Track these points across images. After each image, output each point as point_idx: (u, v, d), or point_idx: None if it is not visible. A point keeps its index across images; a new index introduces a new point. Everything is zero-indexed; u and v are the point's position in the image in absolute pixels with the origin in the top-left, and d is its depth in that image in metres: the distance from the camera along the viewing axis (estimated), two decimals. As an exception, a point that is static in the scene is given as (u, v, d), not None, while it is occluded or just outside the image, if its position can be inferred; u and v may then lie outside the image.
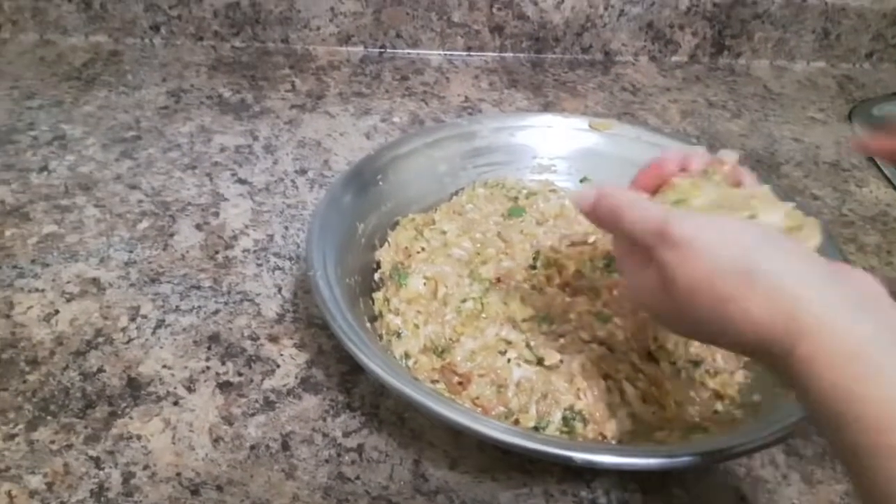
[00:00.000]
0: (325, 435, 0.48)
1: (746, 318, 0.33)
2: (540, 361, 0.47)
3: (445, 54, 0.92)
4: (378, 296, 0.53)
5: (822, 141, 0.83)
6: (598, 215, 0.41)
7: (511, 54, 0.93)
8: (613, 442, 0.45)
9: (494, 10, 0.90)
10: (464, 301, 0.51)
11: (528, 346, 0.48)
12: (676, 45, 0.94)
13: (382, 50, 0.92)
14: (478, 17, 0.90)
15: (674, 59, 0.95)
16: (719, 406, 0.48)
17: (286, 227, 0.64)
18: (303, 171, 0.71)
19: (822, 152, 0.81)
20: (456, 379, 0.46)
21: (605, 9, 0.91)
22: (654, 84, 0.90)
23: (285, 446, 0.48)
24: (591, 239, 0.56)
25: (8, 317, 0.55)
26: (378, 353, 0.44)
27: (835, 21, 0.94)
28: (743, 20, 0.93)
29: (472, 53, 0.93)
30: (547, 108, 0.84)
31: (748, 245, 0.34)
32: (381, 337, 0.50)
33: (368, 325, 0.49)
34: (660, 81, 0.91)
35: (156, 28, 0.88)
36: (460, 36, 0.91)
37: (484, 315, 0.50)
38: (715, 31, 0.93)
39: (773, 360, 0.33)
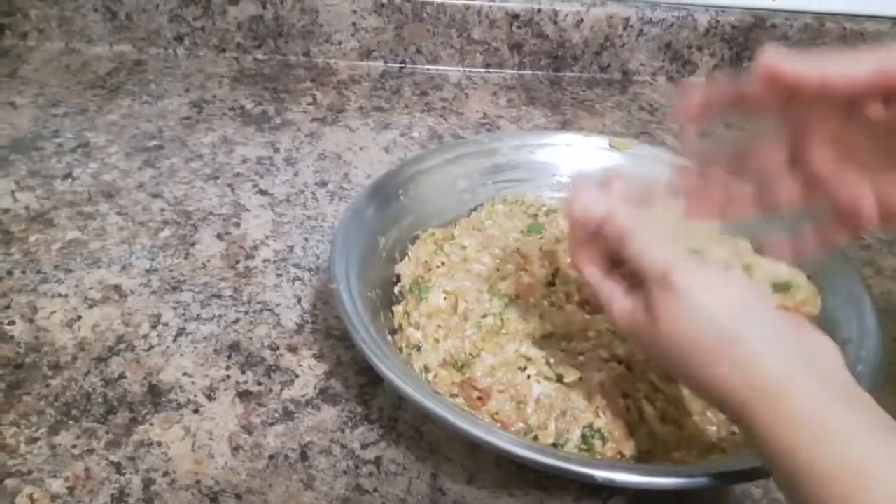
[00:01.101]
0: (343, 446, 0.49)
1: (715, 379, 0.36)
2: (559, 378, 0.47)
3: (464, 70, 0.93)
4: (398, 309, 0.53)
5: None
6: (605, 231, 0.41)
7: (529, 72, 0.94)
8: (632, 461, 0.45)
9: (514, 28, 0.91)
10: (484, 316, 0.51)
11: (547, 363, 0.48)
12: (694, 65, 0.95)
13: (402, 65, 0.92)
14: (497, 34, 0.91)
15: (691, 79, 0.96)
16: (736, 427, 0.48)
17: (306, 239, 0.65)
18: (323, 184, 0.72)
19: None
20: (475, 394, 0.47)
21: (625, 28, 0.91)
22: (672, 104, 0.91)
23: (304, 456, 0.48)
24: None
25: (31, 321, 0.55)
26: (399, 366, 0.44)
27: (852, 45, 0.94)
28: (761, 42, 0.94)
29: (490, 70, 0.93)
30: (565, 125, 0.85)
31: (738, 314, 0.36)
32: (400, 350, 0.50)
33: (389, 338, 0.50)
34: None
35: (179, 39, 0.89)
36: (479, 53, 0.92)
37: (504, 331, 0.50)
38: (733, 52, 0.94)
39: (730, 414, 0.36)
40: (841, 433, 0.32)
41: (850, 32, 0.93)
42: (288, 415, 0.50)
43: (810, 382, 0.34)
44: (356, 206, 0.55)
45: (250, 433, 0.49)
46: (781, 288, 0.40)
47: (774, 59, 0.38)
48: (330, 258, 0.50)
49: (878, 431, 0.32)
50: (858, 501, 0.30)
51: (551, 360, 0.48)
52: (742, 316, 0.36)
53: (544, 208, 0.62)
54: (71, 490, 0.45)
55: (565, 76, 0.94)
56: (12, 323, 0.55)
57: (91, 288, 0.58)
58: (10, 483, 0.45)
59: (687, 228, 0.42)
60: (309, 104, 0.84)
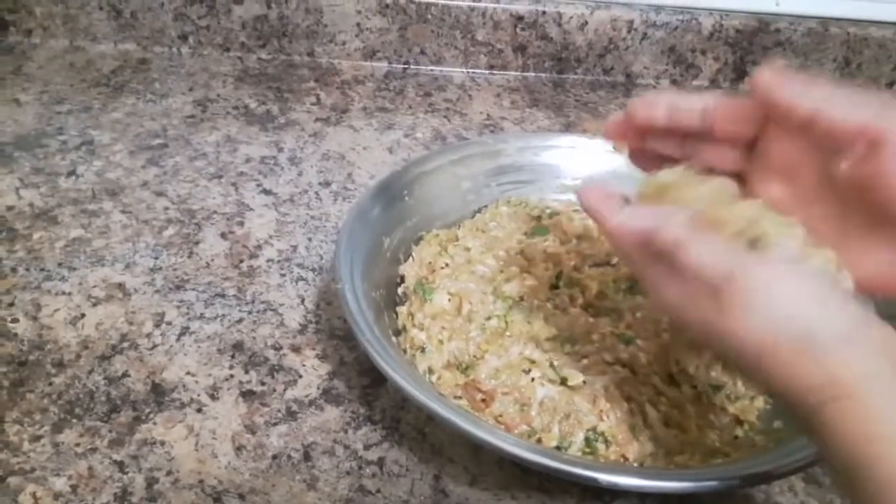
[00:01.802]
0: (346, 447, 0.49)
1: (792, 377, 0.34)
2: (563, 381, 0.47)
3: (468, 72, 0.93)
4: (402, 310, 0.53)
5: (843, 169, 0.83)
6: (656, 248, 0.38)
7: (533, 74, 0.94)
8: (635, 464, 0.45)
9: (518, 30, 0.91)
10: (488, 318, 0.51)
11: (551, 365, 0.48)
12: (698, 69, 0.95)
13: (406, 66, 0.92)
14: (501, 36, 0.91)
15: (695, 83, 0.96)
16: (739, 431, 0.49)
17: (310, 239, 0.65)
18: (327, 184, 0.72)
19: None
20: (479, 396, 0.47)
21: (629, 32, 0.91)
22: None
23: (307, 457, 0.48)
24: (614, 260, 0.56)
25: (35, 319, 0.55)
26: (403, 367, 0.44)
27: (856, 50, 0.94)
28: (765, 47, 0.94)
29: (494, 72, 0.93)
30: (568, 128, 0.85)
31: (815, 308, 0.34)
32: (405, 351, 0.50)
33: (393, 339, 0.50)
34: (680, 105, 0.91)
35: (184, 37, 0.90)
36: (483, 54, 0.92)
37: (508, 333, 0.50)
38: (737, 56, 0.94)
39: (802, 413, 0.34)
40: None
41: (854, 37, 0.93)
42: (291, 415, 0.50)
43: (891, 380, 0.32)
44: (361, 205, 0.55)
45: (253, 433, 0.49)
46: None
47: (772, 82, 0.37)
48: (334, 258, 0.50)
49: None
50: None
51: (555, 363, 0.48)
52: (819, 309, 0.34)
53: (548, 211, 0.62)
54: (74, 488, 0.45)
55: (569, 78, 0.94)
56: (16, 321, 0.55)
57: (95, 286, 0.58)
58: (12, 481, 0.45)
59: (732, 209, 0.39)
60: (313, 104, 0.84)
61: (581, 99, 0.91)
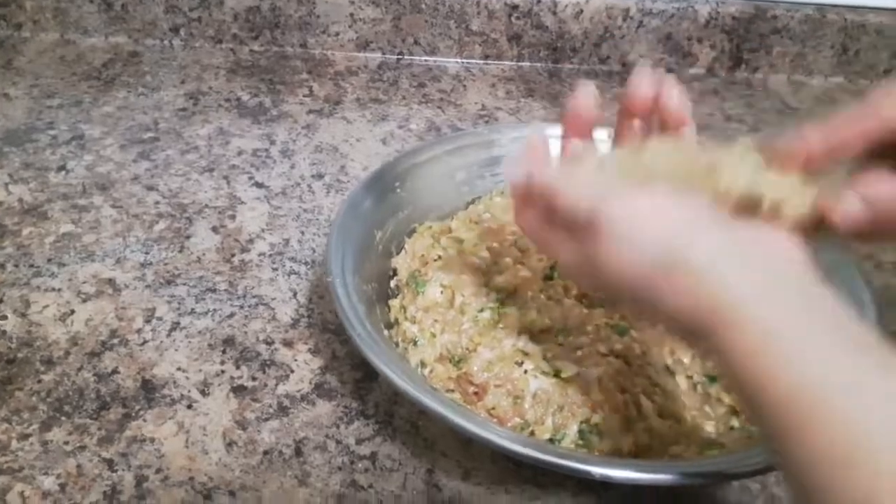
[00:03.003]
0: (338, 442, 0.48)
1: (669, 306, 0.34)
2: (557, 374, 0.47)
3: (463, 62, 0.92)
4: (394, 303, 0.53)
5: (841, 157, 0.82)
6: (536, 193, 0.41)
7: (528, 63, 0.93)
8: (629, 456, 0.45)
9: (513, 20, 0.90)
10: (481, 311, 0.50)
11: (544, 357, 0.48)
12: (694, 57, 0.94)
13: (400, 56, 0.92)
14: (496, 25, 0.90)
15: (691, 71, 0.95)
16: (735, 422, 0.48)
17: (302, 232, 0.64)
18: (319, 176, 0.71)
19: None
20: (472, 389, 0.46)
21: (624, 20, 0.90)
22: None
23: (298, 452, 0.47)
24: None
25: (24, 315, 0.55)
26: (395, 361, 0.43)
27: (854, 37, 0.93)
28: (762, 34, 0.93)
29: (489, 62, 0.93)
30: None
31: (675, 237, 0.34)
32: (397, 345, 0.50)
33: (385, 332, 0.49)
34: (677, 94, 0.90)
35: (175, 30, 0.89)
36: (478, 44, 0.91)
37: (501, 325, 0.50)
38: (733, 44, 0.93)
39: (700, 342, 0.34)
40: (797, 354, 0.30)
41: (852, 24, 0.92)
42: (283, 410, 0.50)
43: (767, 302, 0.32)
44: (353, 199, 0.54)
45: (244, 429, 0.49)
46: (750, 199, 0.36)
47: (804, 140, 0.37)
48: (326, 252, 0.50)
49: (839, 347, 0.30)
50: (812, 433, 0.28)
51: (548, 355, 0.48)
52: (683, 238, 0.34)
53: (542, 201, 0.61)
54: (63, 487, 0.44)
55: (564, 68, 0.93)
56: (4, 318, 0.54)
57: (85, 282, 0.58)
58: (0, 480, 0.44)
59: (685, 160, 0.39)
60: (305, 96, 0.83)
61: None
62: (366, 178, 0.57)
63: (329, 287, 0.47)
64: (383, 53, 0.92)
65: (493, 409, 0.45)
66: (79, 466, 0.46)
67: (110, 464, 0.46)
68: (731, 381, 0.33)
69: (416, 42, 0.91)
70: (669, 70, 0.95)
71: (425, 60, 0.92)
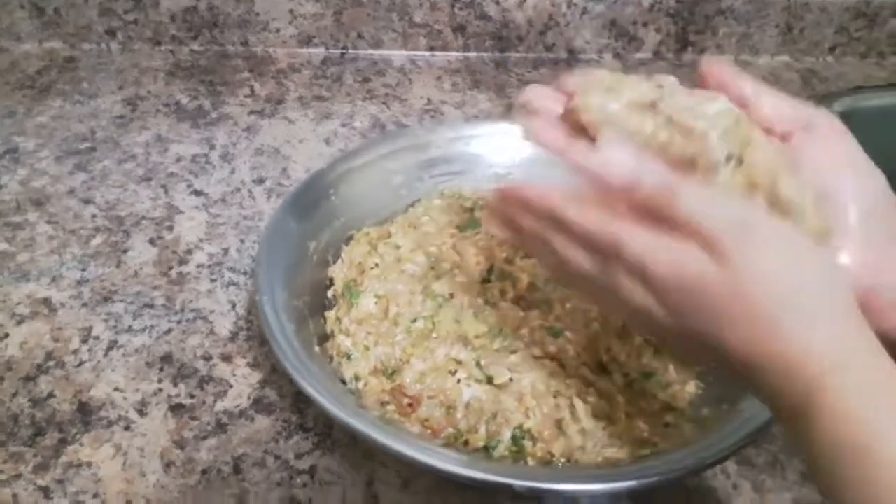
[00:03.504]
0: (277, 457, 0.48)
1: (811, 342, 0.32)
2: (490, 381, 0.47)
3: (408, 54, 0.91)
4: (330, 315, 0.52)
5: (784, 139, 0.83)
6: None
7: (475, 54, 0.92)
8: (563, 460, 0.45)
9: (456, 10, 0.89)
10: (414, 321, 0.50)
11: (478, 365, 0.48)
12: (640, 41, 0.94)
13: (344, 51, 0.91)
14: (439, 16, 0.89)
15: (638, 55, 0.95)
16: (669, 418, 0.49)
17: (241, 241, 0.64)
18: (260, 181, 0.70)
19: (783, 150, 0.81)
20: (406, 401, 0.46)
21: (568, 7, 0.90)
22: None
23: (237, 469, 0.47)
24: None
25: (-44, 341, 0.54)
26: (324, 381, 0.43)
27: (798, 16, 0.94)
28: (707, 16, 0.93)
29: (435, 53, 0.92)
30: (510, 109, 0.84)
31: (803, 314, 0.32)
32: (331, 359, 0.50)
33: (317, 347, 0.49)
34: (624, 79, 0.90)
35: (112, 33, 0.87)
36: (422, 36, 0.91)
37: (435, 335, 0.50)
38: (679, 27, 0.93)
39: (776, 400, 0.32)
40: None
41: (796, 3, 0.92)
42: (221, 427, 0.50)
43: (859, 365, 0.31)
44: (282, 212, 0.54)
45: (182, 448, 0.48)
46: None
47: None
48: (255, 269, 0.49)
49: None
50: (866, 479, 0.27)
51: (482, 362, 0.48)
52: (827, 275, 0.33)
53: (481, 202, 0.61)
54: (-4, 518, 0.44)
55: (511, 57, 0.93)
56: (-64, 344, 0.54)
57: (19, 303, 0.57)
58: (-68, 514, 0.44)
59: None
60: (246, 96, 0.82)
61: (523, 78, 0.89)
62: (295, 189, 0.56)
63: (257, 306, 0.47)
64: (327, 48, 0.90)
65: (427, 420, 0.46)
66: (14, 496, 0.45)
67: (46, 491, 0.46)
68: (814, 446, 0.30)
69: (359, 36, 0.90)
70: (616, 55, 0.94)
71: (370, 54, 0.91)
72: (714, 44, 0.95)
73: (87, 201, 0.67)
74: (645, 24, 0.93)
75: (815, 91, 0.92)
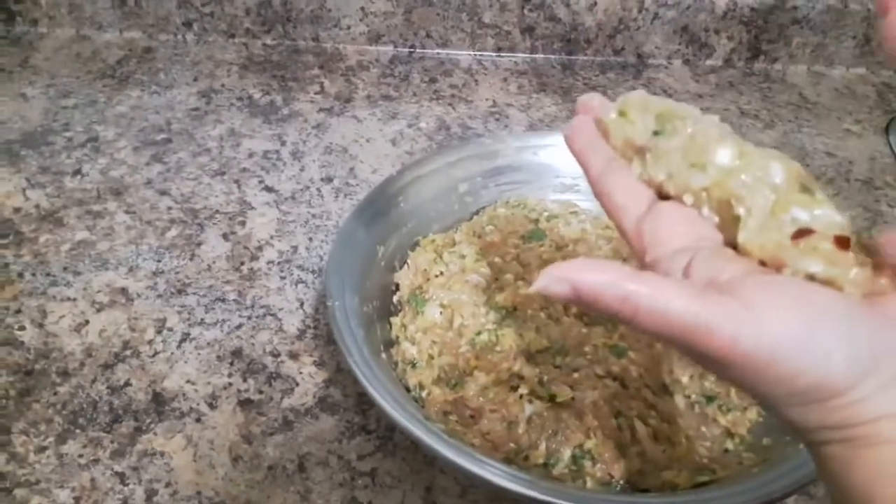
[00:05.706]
0: (340, 457, 0.50)
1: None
2: (552, 398, 0.48)
3: (475, 55, 0.92)
4: (396, 321, 0.54)
5: (856, 156, 0.81)
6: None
7: (542, 55, 0.92)
8: (621, 482, 0.46)
9: (526, 12, 0.89)
10: (478, 333, 0.51)
11: (540, 381, 0.49)
12: (711, 48, 0.92)
13: (412, 50, 0.91)
14: (509, 17, 0.89)
15: (708, 62, 0.93)
16: (729, 444, 0.49)
17: (310, 239, 0.65)
18: (328, 180, 0.72)
19: (854, 168, 0.79)
20: (468, 413, 0.47)
21: (639, 11, 0.89)
22: (687, 90, 0.89)
23: (301, 468, 0.49)
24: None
25: (41, 326, 0.57)
26: (390, 389, 0.45)
27: (877, 28, 0.91)
28: (781, 24, 0.91)
29: (502, 54, 0.92)
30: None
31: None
32: (396, 364, 0.51)
33: (384, 354, 0.50)
34: (692, 87, 0.89)
35: (188, 24, 0.89)
36: (490, 36, 0.91)
37: (498, 348, 0.51)
38: (752, 35, 0.91)
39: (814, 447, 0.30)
40: None
41: (875, 14, 0.89)
42: (287, 424, 0.52)
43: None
44: (354, 217, 0.55)
45: (250, 443, 0.50)
46: None
47: None
48: (326, 274, 0.51)
49: None
50: None
51: (544, 378, 0.49)
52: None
53: (546, 213, 0.61)
54: (77, 500, 0.46)
55: (578, 60, 0.92)
56: (23, 328, 0.56)
57: (99, 291, 0.60)
58: (19, 493, 0.47)
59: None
60: (316, 93, 0.83)
61: (590, 82, 0.89)
62: (367, 195, 0.57)
63: (328, 311, 0.48)
64: (395, 47, 0.91)
65: (488, 433, 0.47)
66: (92, 480, 0.48)
67: (122, 477, 0.48)
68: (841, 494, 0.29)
69: (427, 35, 0.90)
70: (686, 62, 0.93)
71: (437, 53, 0.91)
72: (787, 53, 0.93)
73: (164, 193, 0.69)
74: (717, 32, 0.91)
75: (891, 106, 0.89)
